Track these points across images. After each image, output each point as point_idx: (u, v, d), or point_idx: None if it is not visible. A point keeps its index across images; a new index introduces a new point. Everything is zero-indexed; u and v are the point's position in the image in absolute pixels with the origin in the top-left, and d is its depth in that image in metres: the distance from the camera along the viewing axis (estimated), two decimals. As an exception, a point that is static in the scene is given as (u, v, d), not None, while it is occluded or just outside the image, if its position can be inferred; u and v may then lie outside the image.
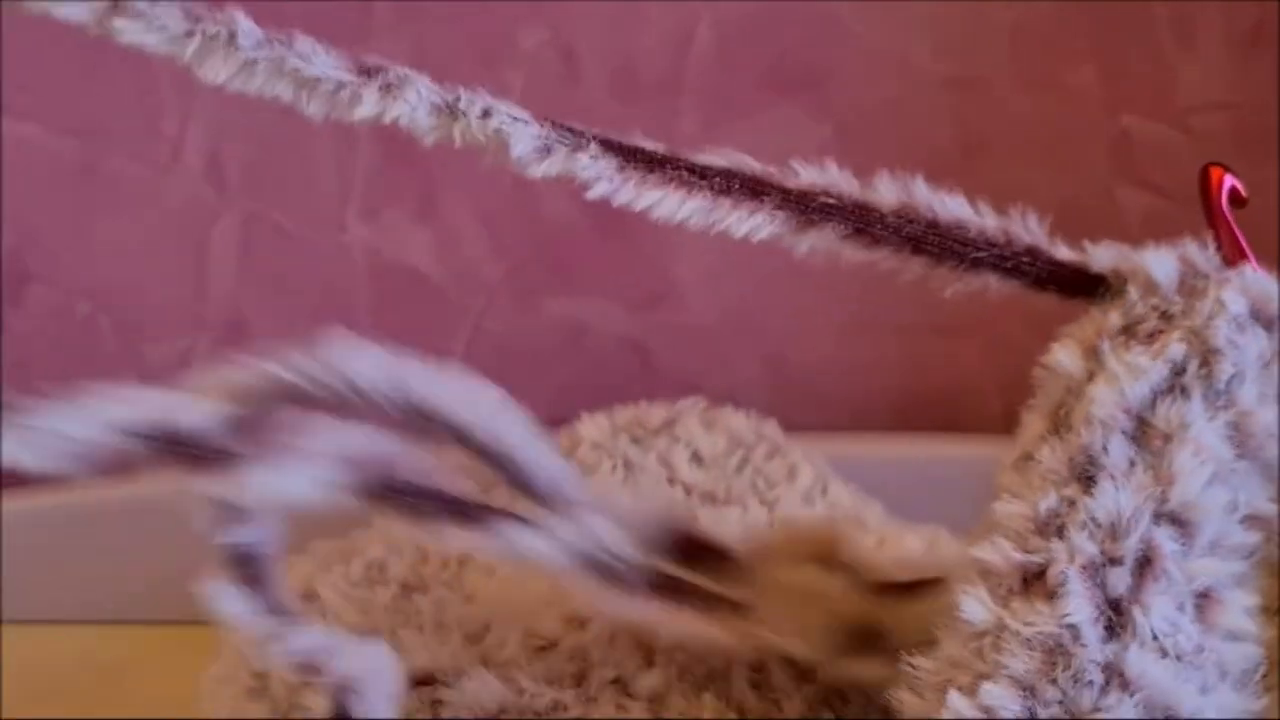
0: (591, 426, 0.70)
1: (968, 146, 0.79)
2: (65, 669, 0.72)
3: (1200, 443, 0.38)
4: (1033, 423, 0.41)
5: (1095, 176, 0.78)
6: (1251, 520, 0.39)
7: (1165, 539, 0.38)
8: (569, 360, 0.82)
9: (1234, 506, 0.39)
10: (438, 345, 0.82)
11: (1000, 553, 0.38)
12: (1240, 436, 0.39)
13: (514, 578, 0.59)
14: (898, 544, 0.62)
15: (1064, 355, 0.41)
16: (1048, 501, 0.38)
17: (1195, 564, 0.38)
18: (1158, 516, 0.38)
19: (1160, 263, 0.43)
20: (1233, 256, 0.44)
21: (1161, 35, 0.77)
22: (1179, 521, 0.38)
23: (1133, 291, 0.42)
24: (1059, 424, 0.40)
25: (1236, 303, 0.40)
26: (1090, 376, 0.40)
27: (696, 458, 0.68)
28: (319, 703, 0.53)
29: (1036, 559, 0.38)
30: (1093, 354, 0.40)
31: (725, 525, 0.65)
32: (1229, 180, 0.46)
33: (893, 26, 0.77)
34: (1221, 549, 0.38)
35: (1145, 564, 0.38)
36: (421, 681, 0.53)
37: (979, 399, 0.81)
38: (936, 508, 0.62)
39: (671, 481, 0.67)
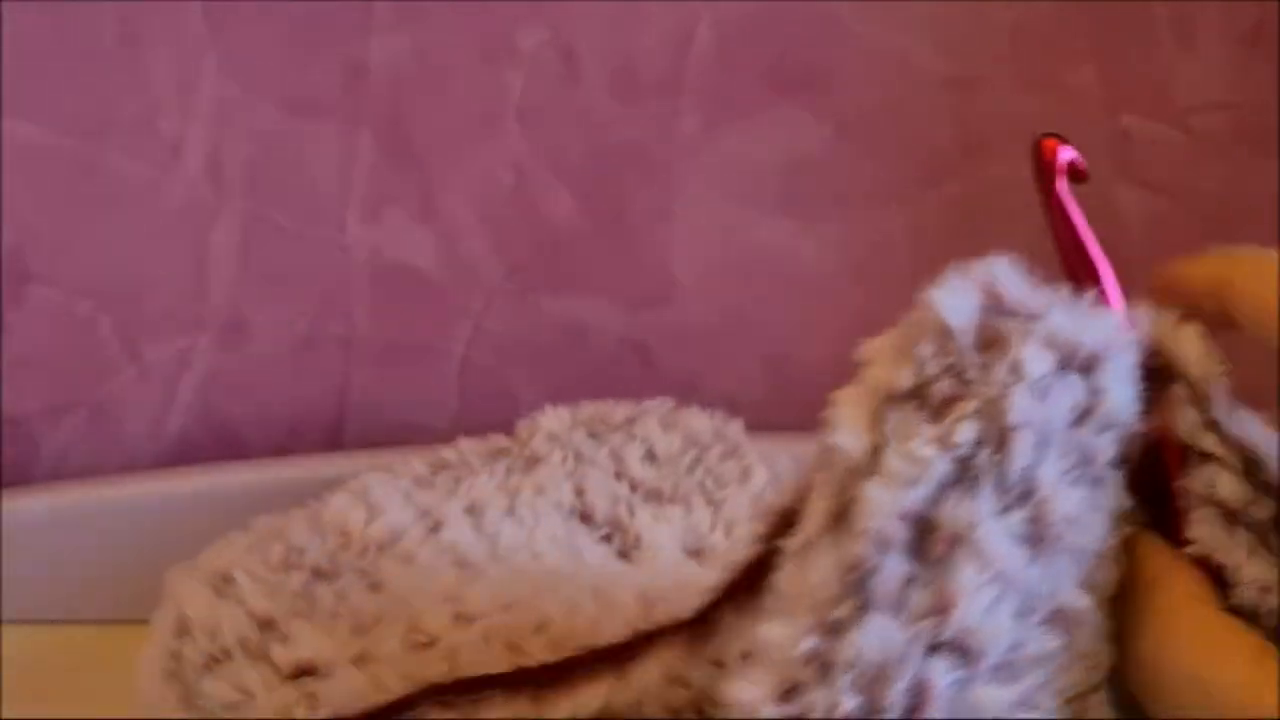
0: (553, 418, 0.70)
1: (968, 146, 0.79)
2: (65, 669, 0.72)
3: (986, 551, 0.32)
4: (816, 507, 0.35)
5: (1095, 176, 0.78)
6: (1056, 618, 0.34)
7: (941, 672, 0.32)
8: (569, 360, 0.82)
9: (1030, 610, 0.33)
10: (438, 345, 0.82)
11: (756, 697, 0.33)
12: (1038, 529, 0.33)
13: (428, 569, 0.59)
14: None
15: (844, 434, 0.34)
16: (808, 641, 0.32)
17: (978, 693, 0.33)
18: (933, 647, 0.32)
19: (955, 304, 0.35)
20: (1069, 248, 0.38)
21: (1162, 35, 0.77)
22: (959, 649, 0.32)
23: (924, 347, 0.35)
24: (841, 518, 0.34)
25: (1039, 362, 0.34)
26: (875, 453, 0.34)
27: (650, 455, 0.68)
28: (219, 688, 0.53)
29: (792, 711, 0.32)
30: (878, 422, 0.34)
31: (667, 523, 0.65)
32: (1066, 153, 0.38)
33: (893, 26, 0.77)
34: (1013, 666, 0.33)
35: (915, 708, 0.32)
36: (303, 673, 0.53)
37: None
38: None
39: (619, 476, 0.67)
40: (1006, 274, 0.35)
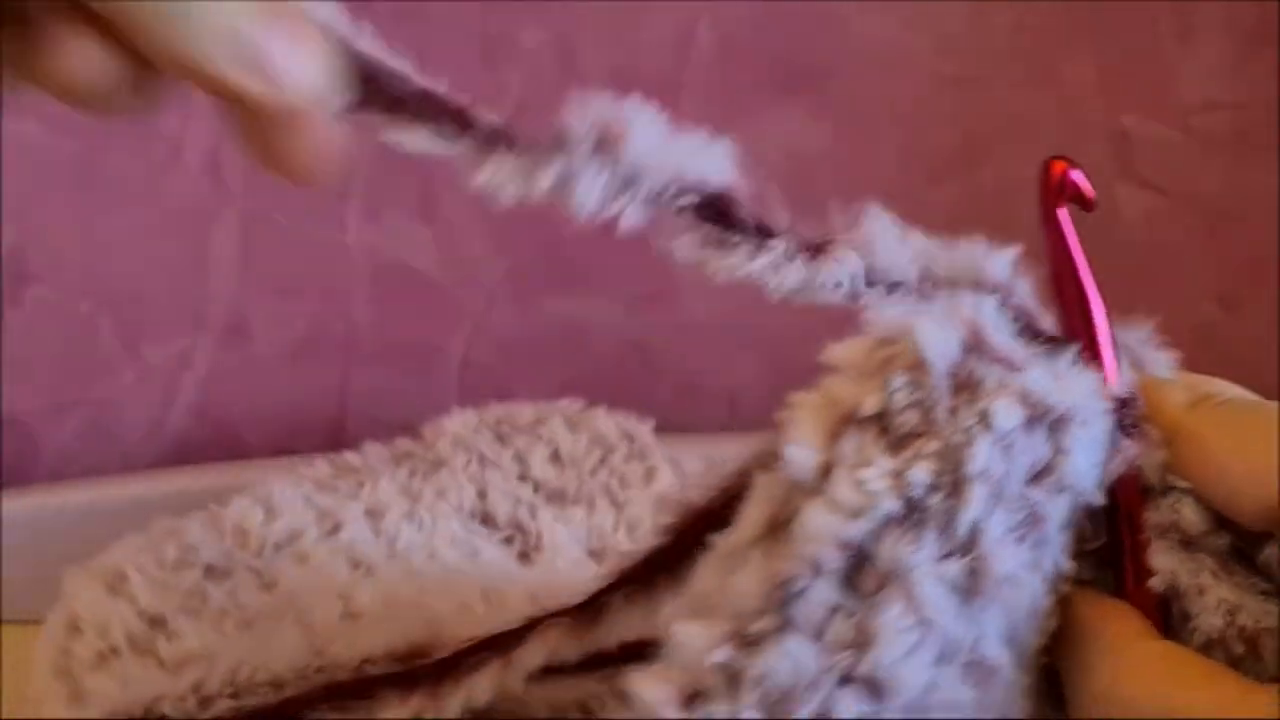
0: (459, 421, 0.70)
1: (968, 146, 0.79)
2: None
3: (917, 596, 0.32)
4: (753, 509, 0.34)
5: (1095, 176, 0.78)
6: (974, 669, 0.33)
7: (849, 704, 0.32)
8: (569, 360, 0.82)
9: (949, 657, 0.33)
10: (438, 345, 0.82)
11: (661, 695, 0.32)
12: (973, 582, 0.33)
13: (321, 568, 0.59)
14: None
15: (798, 447, 0.33)
16: (723, 651, 0.32)
17: None
18: (846, 679, 0.32)
19: (937, 337, 0.34)
20: (1061, 276, 0.37)
21: (1162, 34, 0.77)
22: (872, 685, 0.32)
23: (897, 377, 0.34)
24: (777, 529, 0.33)
25: (1009, 417, 0.33)
26: (825, 472, 0.33)
27: (555, 456, 0.68)
28: (107, 685, 0.53)
29: (694, 716, 0.32)
30: (835, 440, 0.33)
31: (568, 524, 0.66)
32: (1073, 176, 0.37)
33: (893, 26, 0.77)
34: (923, 708, 0.32)
35: None
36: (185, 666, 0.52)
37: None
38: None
39: (523, 478, 0.67)
40: (994, 317, 0.35)
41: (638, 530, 0.66)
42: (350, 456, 0.69)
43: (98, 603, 0.58)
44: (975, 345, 0.34)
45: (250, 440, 0.81)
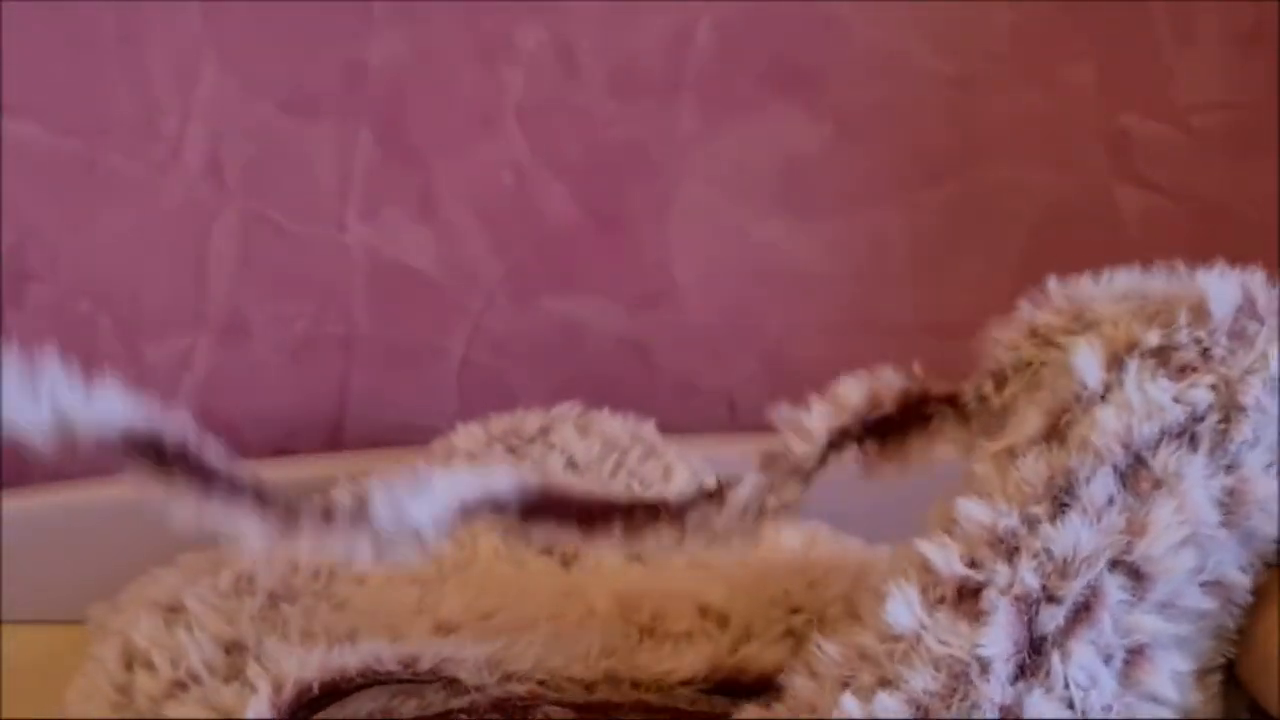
0: (466, 437, 0.70)
1: (967, 145, 0.79)
2: (65, 669, 0.72)
3: (1188, 501, 0.37)
4: (1029, 417, 0.39)
5: (1094, 175, 0.78)
6: (1214, 586, 0.37)
7: (1114, 587, 0.36)
8: (568, 359, 0.82)
9: (1200, 569, 0.37)
10: (437, 344, 0.82)
11: (945, 558, 0.37)
12: (1233, 503, 0.37)
13: (384, 585, 0.60)
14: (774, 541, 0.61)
15: (1085, 359, 0.39)
16: (1008, 520, 0.37)
17: (1138, 619, 0.36)
18: (1114, 563, 0.36)
19: (1220, 293, 0.40)
20: None
21: (1160, 34, 0.77)
22: (1136, 573, 0.36)
23: (1181, 315, 0.39)
24: (1056, 431, 0.38)
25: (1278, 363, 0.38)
26: (1106, 391, 0.38)
27: (572, 464, 0.68)
28: (182, 710, 0.53)
29: (977, 577, 0.36)
30: (1116, 365, 0.39)
31: None
32: None
33: (892, 26, 0.77)
34: (1172, 609, 0.37)
35: (1084, 609, 0.36)
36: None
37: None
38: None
39: None
40: (1261, 282, 0.40)
41: None
42: (365, 482, 0.69)
43: (160, 634, 0.58)
44: (1248, 304, 0.40)
45: (250, 440, 0.81)
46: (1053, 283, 0.42)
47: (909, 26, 0.78)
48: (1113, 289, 0.41)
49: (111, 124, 0.77)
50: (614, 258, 0.80)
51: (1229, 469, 0.37)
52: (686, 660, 0.51)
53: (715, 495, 0.46)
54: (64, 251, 0.78)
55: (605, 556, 0.64)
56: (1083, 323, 0.41)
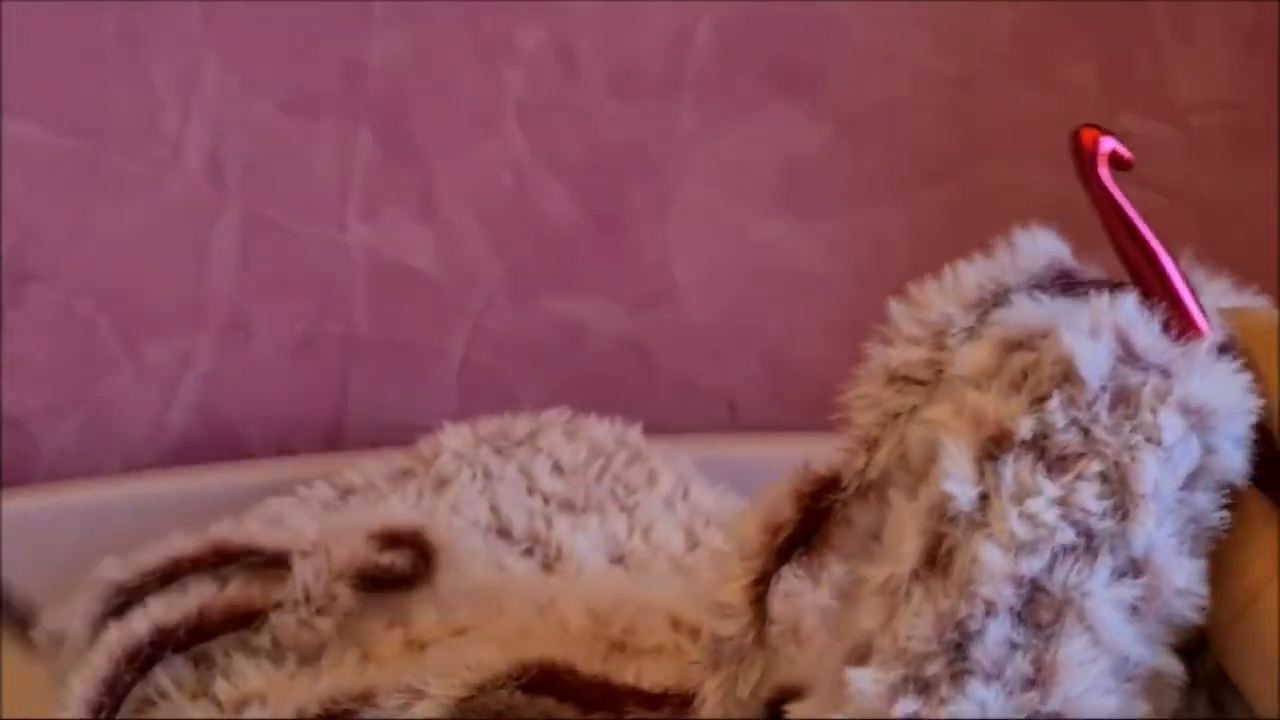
0: (454, 436, 0.70)
1: (966, 146, 0.79)
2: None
3: (1096, 621, 0.31)
4: (907, 531, 0.32)
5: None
6: (1148, 682, 0.32)
7: None
8: (568, 359, 0.82)
9: (1120, 675, 0.31)
10: (437, 344, 0.82)
11: None
12: (1147, 598, 0.31)
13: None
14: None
15: (953, 465, 0.32)
16: (906, 702, 0.30)
17: None
18: None
19: (1089, 353, 0.32)
20: (1124, 240, 0.35)
21: (1160, 34, 0.78)
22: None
23: (1055, 398, 0.32)
24: (936, 559, 0.32)
25: (1173, 430, 0.32)
26: (983, 501, 0.32)
27: (557, 467, 0.68)
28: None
29: None
30: (989, 468, 0.32)
31: (585, 533, 0.66)
32: (1107, 143, 0.36)
33: (892, 26, 0.78)
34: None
35: None
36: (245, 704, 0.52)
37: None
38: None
39: (530, 491, 0.67)
40: (1135, 317, 0.33)
41: (652, 534, 0.66)
42: (350, 474, 0.69)
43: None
44: (1124, 352, 0.33)
45: (250, 440, 0.82)
46: (895, 306, 0.36)
47: (909, 26, 0.78)
48: (962, 294, 0.35)
49: (111, 124, 0.77)
50: (614, 258, 0.80)
51: (1136, 568, 0.31)
52: (651, 676, 0.49)
53: None
54: (64, 251, 0.78)
55: (586, 562, 0.64)
56: (940, 364, 0.34)
